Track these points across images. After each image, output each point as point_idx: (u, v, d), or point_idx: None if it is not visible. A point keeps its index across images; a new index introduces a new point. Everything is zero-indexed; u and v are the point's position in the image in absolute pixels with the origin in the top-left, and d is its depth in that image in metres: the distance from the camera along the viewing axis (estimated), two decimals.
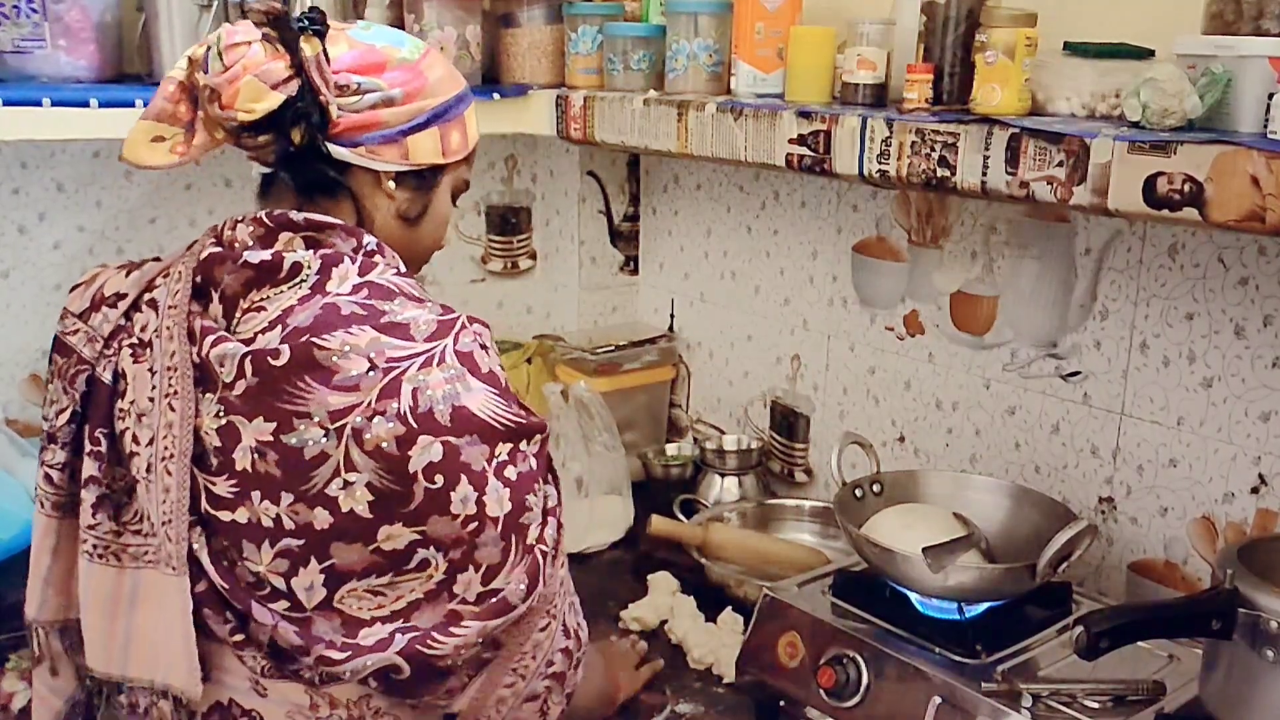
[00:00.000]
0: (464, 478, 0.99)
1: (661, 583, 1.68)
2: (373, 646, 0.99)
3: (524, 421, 1.04)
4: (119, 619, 1.06)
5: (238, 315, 1.03)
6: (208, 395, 1.00)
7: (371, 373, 0.97)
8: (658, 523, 1.75)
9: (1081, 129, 1.13)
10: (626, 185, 2.28)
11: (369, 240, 1.09)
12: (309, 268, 1.03)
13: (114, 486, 1.07)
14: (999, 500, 1.47)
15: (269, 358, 0.97)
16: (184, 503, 1.00)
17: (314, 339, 0.97)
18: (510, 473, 1.02)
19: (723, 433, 2.12)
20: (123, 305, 1.07)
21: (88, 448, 1.07)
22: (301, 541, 0.98)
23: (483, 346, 1.04)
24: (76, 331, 1.09)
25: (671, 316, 2.27)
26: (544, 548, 1.06)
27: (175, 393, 1.00)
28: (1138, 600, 1.49)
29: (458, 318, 1.04)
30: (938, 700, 1.19)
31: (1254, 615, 1.04)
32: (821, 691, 1.28)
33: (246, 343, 1.00)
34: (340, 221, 1.08)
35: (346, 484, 0.96)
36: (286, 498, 0.97)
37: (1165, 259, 1.43)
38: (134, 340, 1.05)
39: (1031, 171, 1.16)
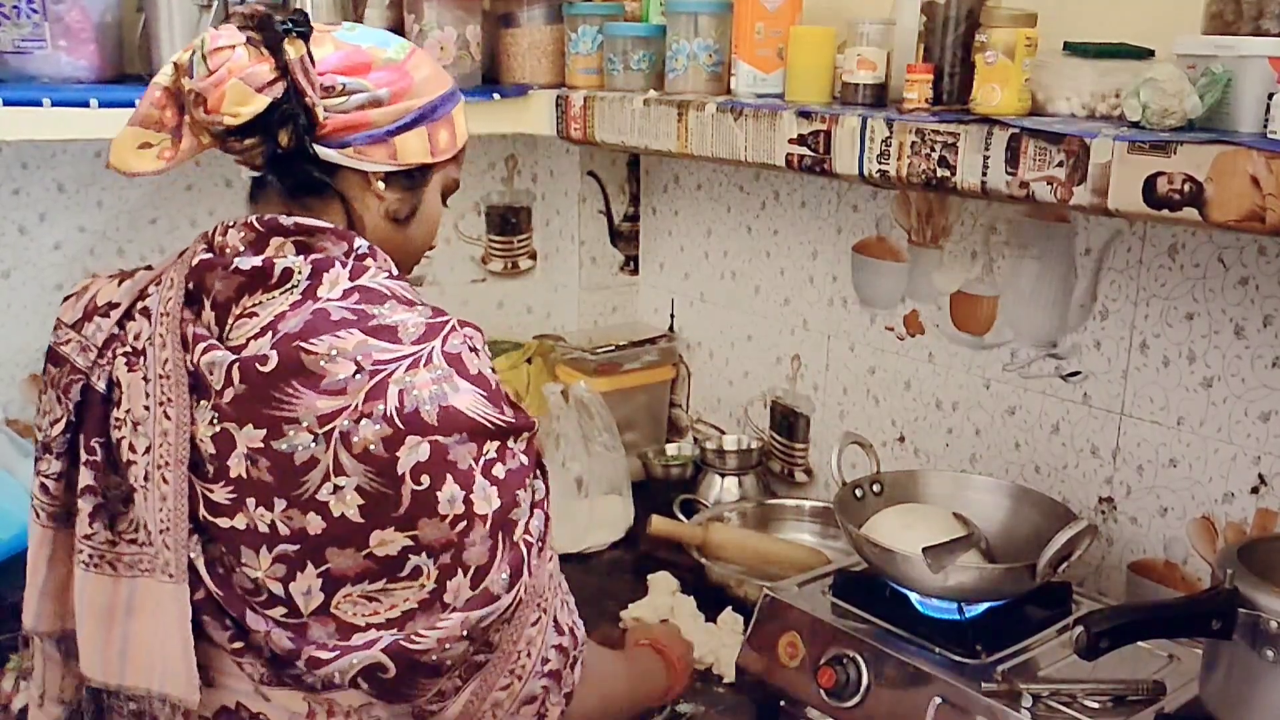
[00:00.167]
0: (450, 477, 0.98)
1: (661, 583, 1.68)
2: (361, 646, 0.99)
3: (512, 421, 1.03)
4: (115, 628, 1.05)
5: (230, 321, 1.03)
6: (202, 402, 1.00)
7: (358, 376, 0.96)
8: (658, 523, 1.75)
9: (1081, 129, 1.13)
10: (626, 185, 2.28)
11: (360, 243, 1.09)
12: (300, 273, 1.03)
13: (110, 495, 1.07)
14: (999, 500, 1.47)
15: (257, 364, 0.97)
16: (182, 510, 1.00)
17: (301, 344, 0.97)
18: (499, 470, 1.02)
19: (723, 433, 2.12)
20: (115, 314, 1.07)
21: (83, 457, 1.06)
22: (297, 547, 0.98)
23: (472, 349, 1.03)
24: (69, 341, 1.09)
25: (671, 316, 2.27)
26: (529, 539, 1.05)
27: (170, 400, 1.00)
28: (1138, 600, 1.49)
29: (447, 320, 1.03)
30: (938, 700, 1.19)
31: (1254, 615, 1.04)
32: (821, 691, 1.28)
33: (238, 349, 1.00)
34: (330, 225, 1.08)
35: (337, 488, 0.96)
36: (280, 504, 0.97)
37: (1165, 259, 1.43)
38: (128, 349, 1.05)
39: (1031, 171, 1.16)
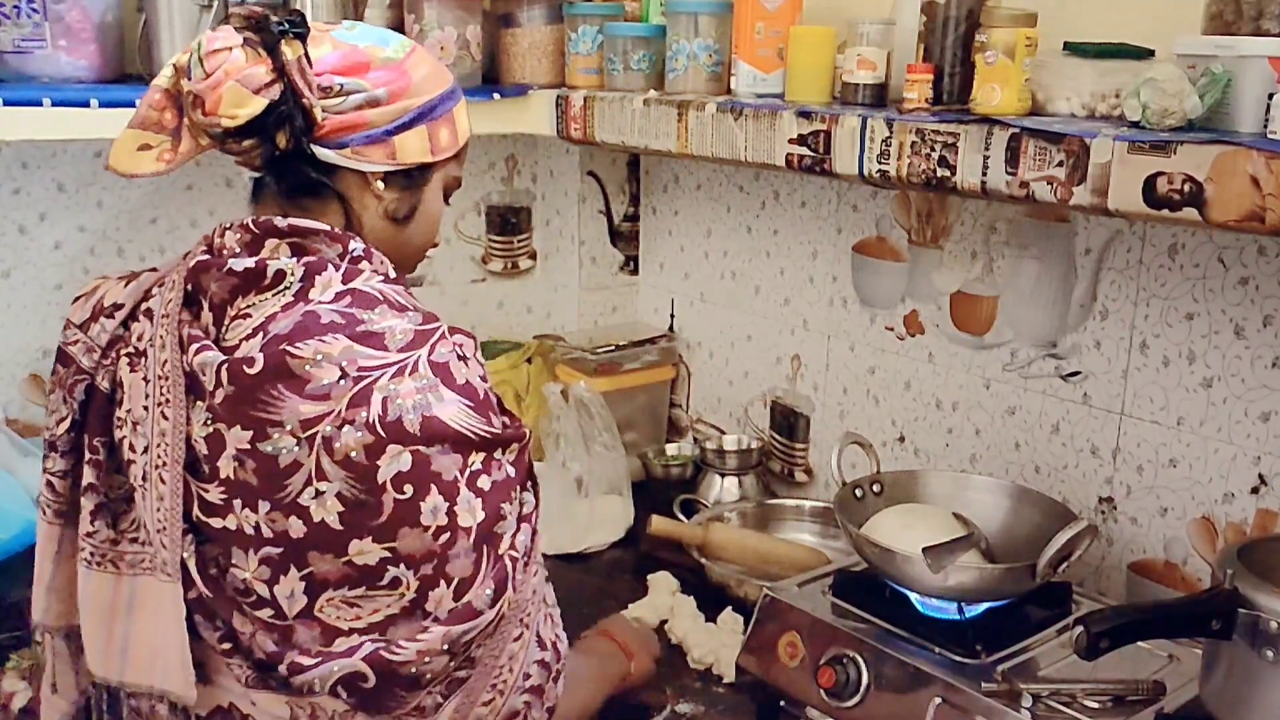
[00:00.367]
0: (434, 487, 0.98)
1: (661, 583, 1.68)
2: (342, 653, 0.99)
3: (499, 432, 1.02)
4: (117, 625, 1.06)
5: (226, 323, 1.03)
6: (199, 403, 1.00)
7: (343, 381, 0.96)
8: (658, 523, 1.75)
9: (1081, 129, 1.13)
10: (626, 185, 2.28)
11: (355, 246, 1.08)
12: (292, 275, 1.03)
13: (112, 494, 1.07)
14: (999, 500, 1.47)
15: (244, 366, 0.97)
16: (177, 510, 1.00)
17: (287, 347, 0.97)
18: (484, 482, 1.01)
19: (723, 433, 2.12)
20: (120, 315, 1.07)
21: (87, 456, 1.07)
22: (280, 550, 0.98)
23: (461, 357, 1.02)
24: (76, 342, 1.09)
25: (671, 316, 2.27)
26: (514, 554, 1.04)
27: (167, 401, 1.00)
28: (1138, 600, 1.49)
29: (437, 328, 1.03)
30: (938, 700, 1.19)
31: (1254, 615, 1.04)
32: (821, 691, 1.28)
33: (230, 350, 1.00)
34: (326, 227, 1.08)
35: (318, 493, 0.96)
36: (264, 506, 0.97)
37: (1165, 259, 1.43)
38: (131, 349, 1.05)
39: (1031, 171, 1.16)
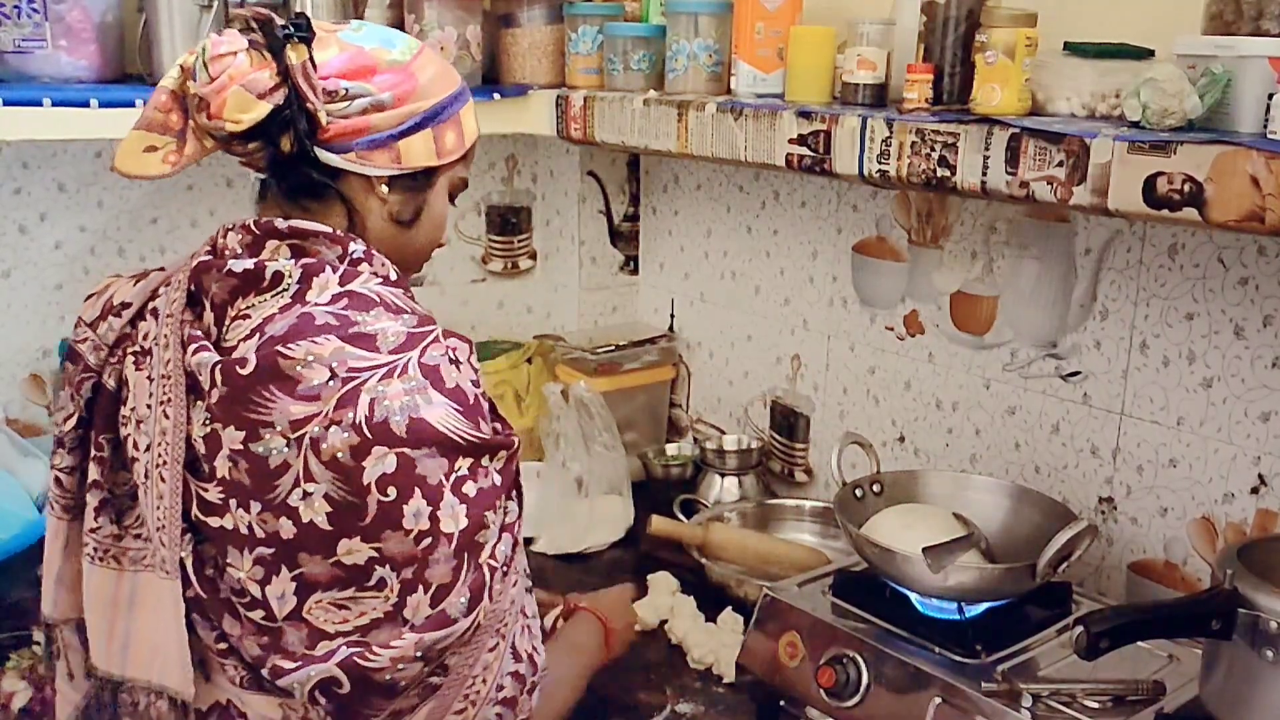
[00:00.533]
0: (418, 491, 0.97)
1: (661, 583, 1.68)
2: (320, 657, 0.98)
3: (487, 438, 1.01)
4: (119, 620, 1.07)
5: (227, 323, 1.04)
6: (199, 403, 1.00)
7: (332, 382, 0.96)
8: (658, 523, 1.75)
9: (1081, 129, 1.13)
10: (626, 185, 2.28)
11: (355, 248, 1.08)
12: (290, 277, 1.03)
13: (117, 491, 1.08)
14: (999, 500, 1.47)
15: (237, 367, 0.97)
16: (176, 509, 1.00)
17: (280, 348, 0.97)
18: (469, 488, 1.00)
19: (723, 433, 2.13)
20: (127, 314, 1.08)
21: (93, 453, 1.08)
22: (272, 550, 0.98)
23: (453, 361, 1.01)
24: (85, 340, 1.10)
25: (671, 316, 2.27)
26: (493, 563, 1.02)
27: (169, 400, 1.01)
28: (1138, 600, 1.49)
29: (430, 331, 1.02)
30: (938, 700, 1.19)
31: (1254, 615, 1.04)
32: (821, 691, 1.28)
33: (228, 351, 1.01)
34: (327, 229, 1.08)
35: (306, 494, 0.96)
36: (255, 506, 0.97)
37: (1165, 259, 1.43)
38: (137, 348, 1.06)
39: (1031, 171, 1.16)
